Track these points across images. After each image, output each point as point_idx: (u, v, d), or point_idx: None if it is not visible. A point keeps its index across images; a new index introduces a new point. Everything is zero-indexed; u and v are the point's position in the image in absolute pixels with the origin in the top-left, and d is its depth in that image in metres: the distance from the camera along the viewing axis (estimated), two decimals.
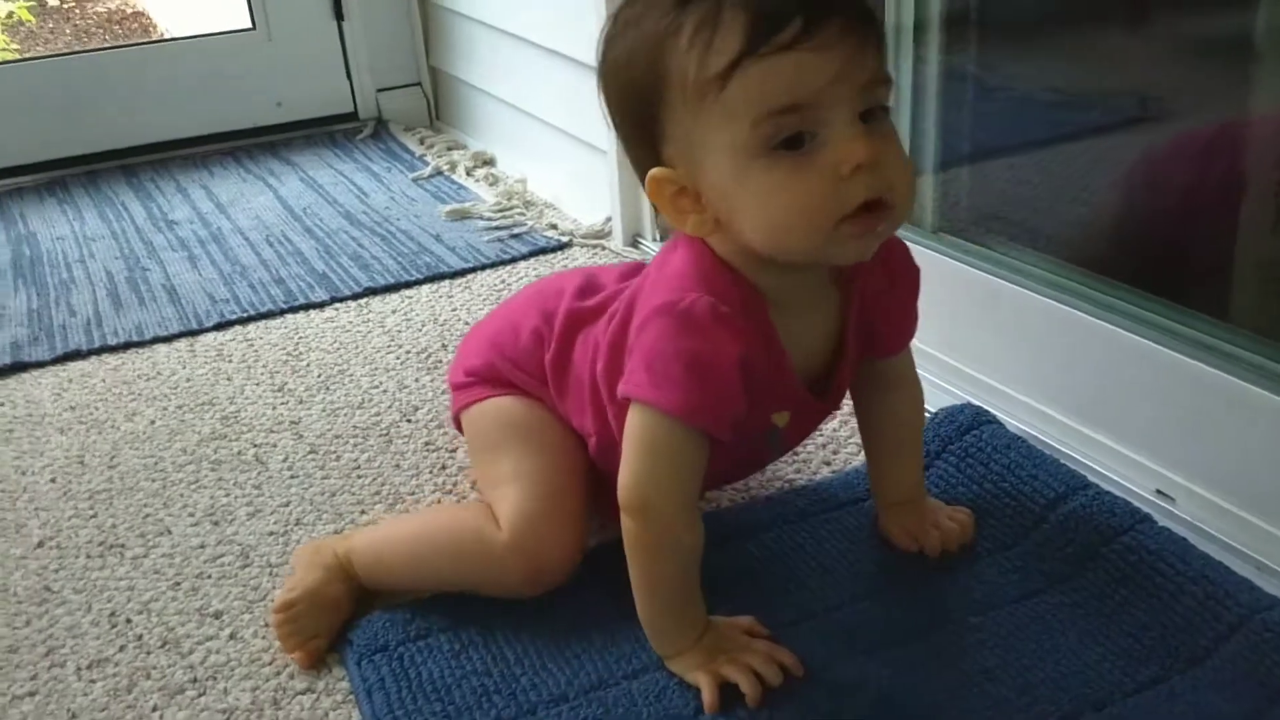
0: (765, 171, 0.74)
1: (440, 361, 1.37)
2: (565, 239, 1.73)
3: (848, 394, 0.95)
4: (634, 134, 0.80)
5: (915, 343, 1.22)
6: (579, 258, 1.67)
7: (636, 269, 0.95)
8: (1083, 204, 1.24)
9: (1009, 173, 1.33)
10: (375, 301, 1.57)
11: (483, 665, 0.87)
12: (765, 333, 0.81)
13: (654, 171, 0.78)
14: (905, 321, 0.92)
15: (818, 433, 1.15)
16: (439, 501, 1.09)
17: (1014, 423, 1.09)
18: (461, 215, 1.86)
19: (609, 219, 1.71)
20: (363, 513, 1.08)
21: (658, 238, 1.64)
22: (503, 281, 1.60)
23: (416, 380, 1.33)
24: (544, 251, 1.69)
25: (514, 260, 1.67)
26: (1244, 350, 0.94)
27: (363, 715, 0.85)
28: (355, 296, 1.58)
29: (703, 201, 0.78)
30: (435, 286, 1.60)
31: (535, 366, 0.97)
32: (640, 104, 0.77)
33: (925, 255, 1.20)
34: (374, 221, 1.87)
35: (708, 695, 0.81)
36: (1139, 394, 1.01)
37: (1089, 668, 0.82)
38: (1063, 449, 1.06)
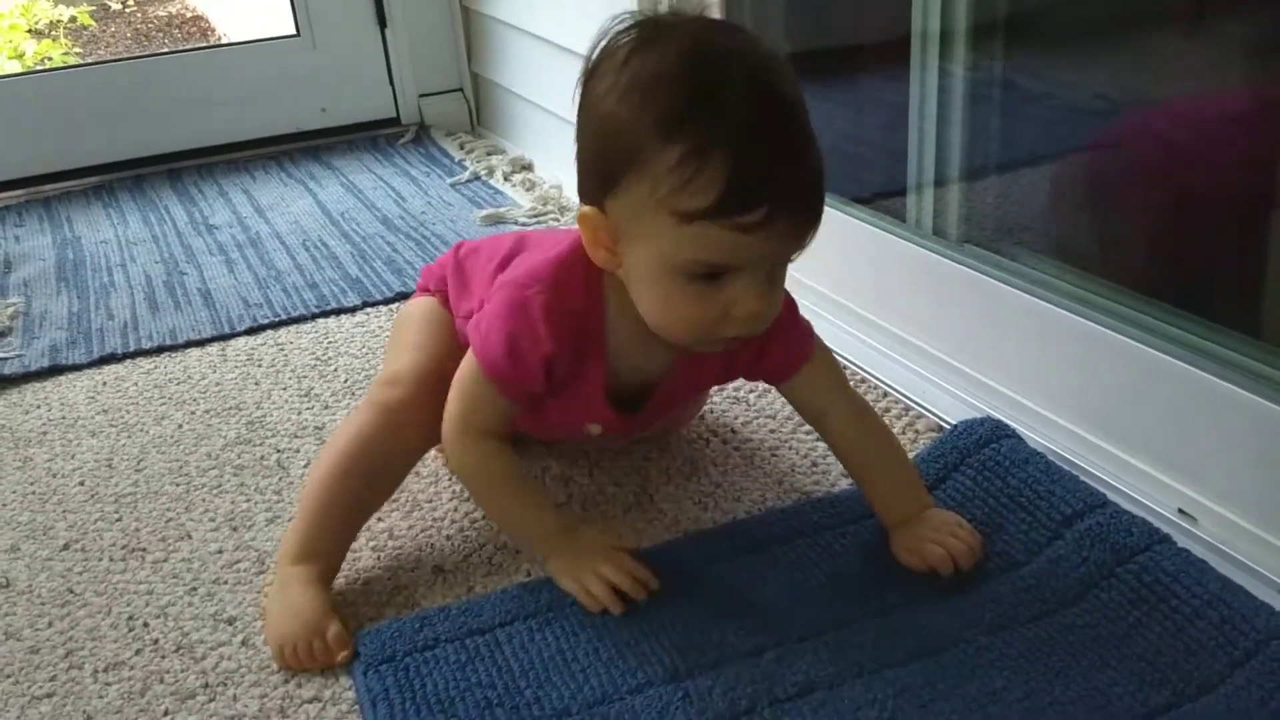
0: (677, 286, 0.85)
1: None
2: None
3: None
4: (591, 168, 0.87)
5: (936, 352, 1.22)
6: None
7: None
8: (1112, 215, 1.22)
9: (1041, 182, 1.31)
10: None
11: (487, 677, 0.87)
12: (588, 346, 0.95)
13: (587, 211, 0.87)
14: (778, 350, 0.98)
15: None
16: (454, 509, 1.10)
17: (1035, 437, 1.08)
18: (496, 220, 1.87)
19: None
20: (379, 520, 1.08)
21: None
22: None
23: None
24: None
25: None
26: (1273, 368, 0.92)
27: None
28: (386, 301, 1.59)
29: (617, 249, 0.87)
30: None
31: (445, 271, 1.15)
32: (608, 160, 0.84)
33: (949, 267, 1.19)
34: (410, 226, 1.88)
35: (582, 599, 0.92)
36: (1163, 411, 0.99)
37: (1098, 692, 0.80)
38: (1084, 465, 1.04)
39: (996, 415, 1.10)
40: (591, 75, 0.86)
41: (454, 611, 0.94)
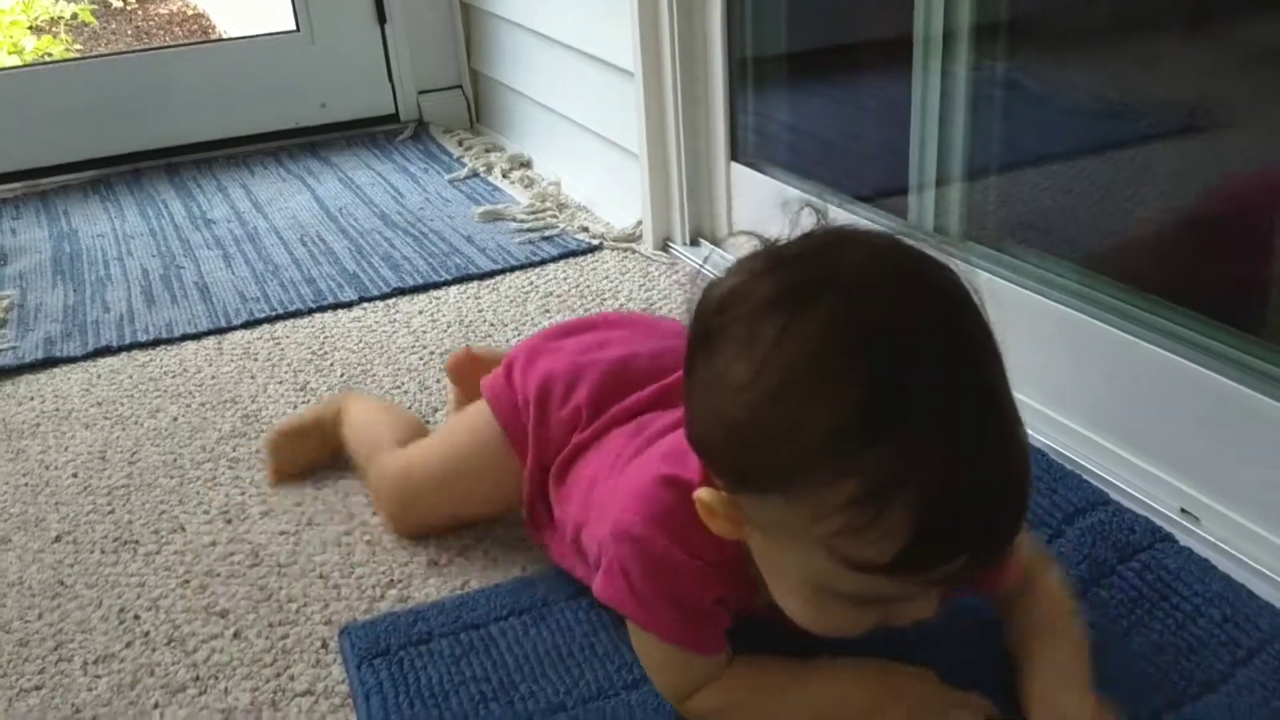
0: (827, 601, 0.70)
1: None
2: (596, 242, 1.72)
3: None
4: (721, 456, 0.69)
5: None
6: (609, 261, 1.66)
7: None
8: (1116, 215, 1.21)
9: (1042, 181, 1.30)
10: (403, 302, 1.57)
11: (482, 671, 0.86)
12: (741, 577, 0.77)
13: (706, 499, 0.72)
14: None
15: None
16: None
17: (1037, 436, 1.07)
18: (494, 217, 1.86)
19: (640, 222, 1.70)
20: (374, 514, 1.07)
21: (687, 242, 1.63)
22: (530, 284, 1.60)
23: (438, 381, 1.33)
24: (574, 254, 1.69)
25: (543, 262, 1.67)
26: (1278, 367, 0.91)
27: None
28: (383, 297, 1.59)
29: (742, 528, 0.72)
30: (463, 288, 1.60)
31: (559, 436, 0.93)
32: (749, 463, 0.67)
33: (951, 264, 1.18)
34: (408, 222, 1.87)
35: None
36: (1167, 410, 0.98)
37: (1099, 690, 0.79)
38: (1086, 464, 1.03)
39: None
40: (717, 335, 0.67)
41: (449, 606, 0.93)
